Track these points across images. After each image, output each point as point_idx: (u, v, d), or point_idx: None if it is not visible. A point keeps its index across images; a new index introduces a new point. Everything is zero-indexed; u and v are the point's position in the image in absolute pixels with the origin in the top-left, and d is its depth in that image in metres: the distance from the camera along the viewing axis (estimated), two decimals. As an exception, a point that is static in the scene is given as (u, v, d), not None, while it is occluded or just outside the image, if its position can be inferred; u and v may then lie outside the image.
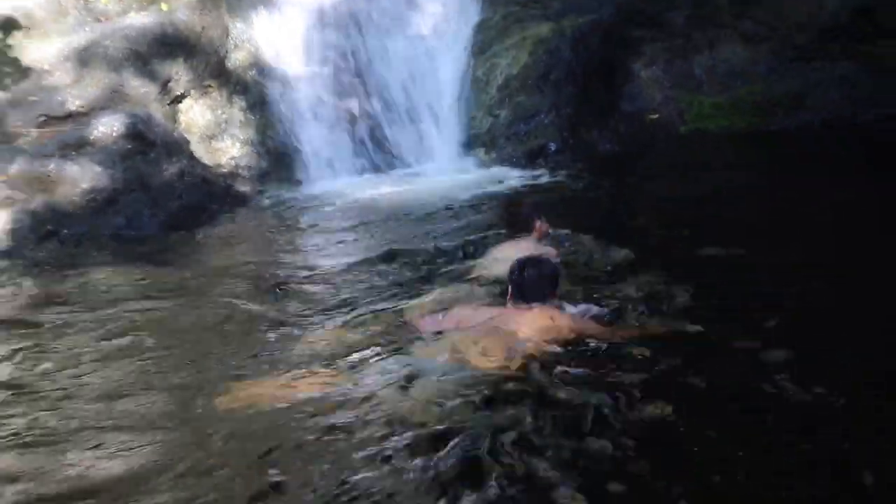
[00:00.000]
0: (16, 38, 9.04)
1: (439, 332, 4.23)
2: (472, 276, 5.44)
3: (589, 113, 10.21)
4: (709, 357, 3.86)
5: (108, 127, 8.52)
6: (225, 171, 9.45)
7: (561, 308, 4.36)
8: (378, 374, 3.85)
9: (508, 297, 4.47)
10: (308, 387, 3.78)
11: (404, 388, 3.68)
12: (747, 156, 9.49)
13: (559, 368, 3.75)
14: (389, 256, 6.33)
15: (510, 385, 3.68)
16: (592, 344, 4.01)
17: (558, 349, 3.95)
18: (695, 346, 3.95)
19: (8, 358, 4.95)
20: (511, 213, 7.62)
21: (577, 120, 10.13)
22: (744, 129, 10.08)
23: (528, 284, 4.30)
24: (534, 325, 4.06)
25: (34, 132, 8.59)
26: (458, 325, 4.24)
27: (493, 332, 4.06)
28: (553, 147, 10.00)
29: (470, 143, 10.24)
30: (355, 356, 4.19)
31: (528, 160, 9.86)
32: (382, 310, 4.86)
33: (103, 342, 5.17)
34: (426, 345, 4.12)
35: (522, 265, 4.42)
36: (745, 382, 3.69)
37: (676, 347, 3.98)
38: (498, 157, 9.97)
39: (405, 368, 3.82)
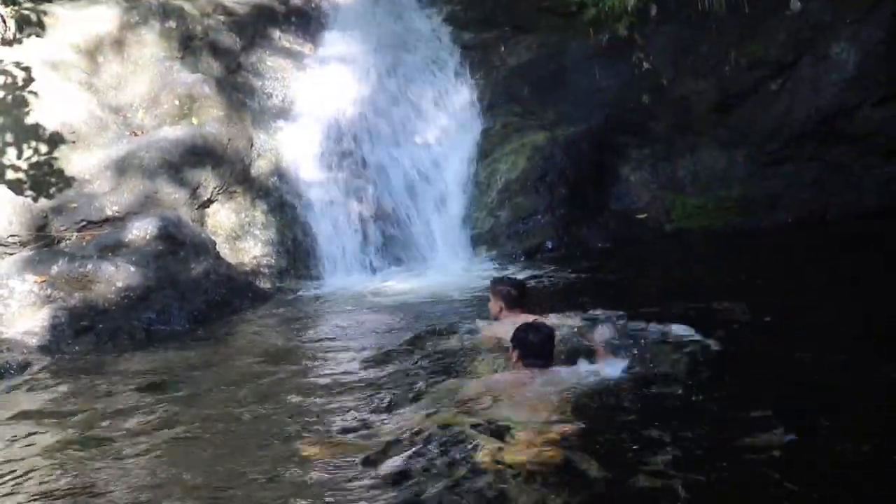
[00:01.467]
0: (61, 151, 9.26)
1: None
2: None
3: (581, 212, 10.42)
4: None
5: (141, 230, 8.67)
6: (247, 268, 9.50)
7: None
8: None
9: (515, 360, 4.91)
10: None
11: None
12: (727, 252, 9.73)
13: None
14: (403, 345, 6.51)
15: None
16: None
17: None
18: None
19: (55, 449, 5.05)
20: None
21: (570, 219, 10.33)
22: (723, 227, 10.30)
23: (540, 346, 4.85)
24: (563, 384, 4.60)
25: (75, 235, 8.77)
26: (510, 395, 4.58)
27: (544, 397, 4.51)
28: (550, 244, 10.17)
29: (473, 242, 10.34)
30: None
31: (528, 256, 10.03)
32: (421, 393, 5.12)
33: (142, 428, 5.30)
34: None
35: (529, 330, 4.96)
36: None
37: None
38: (499, 254, 10.08)
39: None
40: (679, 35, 10.68)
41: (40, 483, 4.50)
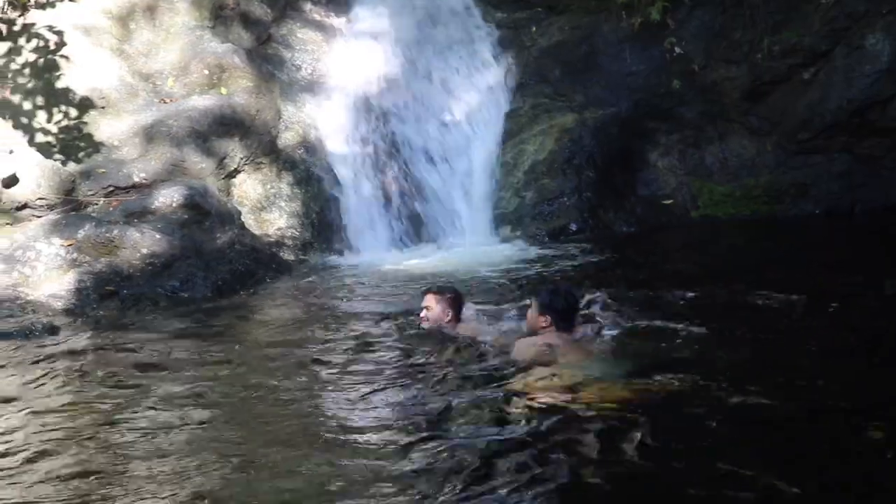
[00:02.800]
0: (90, 116, 9.23)
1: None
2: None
3: (608, 196, 10.30)
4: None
5: (168, 198, 8.63)
6: (272, 240, 9.43)
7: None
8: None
9: (547, 325, 5.28)
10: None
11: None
12: (753, 240, 9.58)
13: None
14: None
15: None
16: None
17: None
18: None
19: (79, 412, 5.02)
20: (530, 283, 7.74)
21: (596, 202, 10.21)
22: (750, 215, 10.19)
23: (570, 311, 5.32)
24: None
25: (102, 201, 8.74)
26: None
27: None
28: (574, 227, 10.07)
29: (498, 221, 10.26)
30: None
31: (552, 238, 9.92)
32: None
33: (164, 392, 5.27)
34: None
35: (560, 296, 5.37)
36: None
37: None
38: (523, 235, 9.98)
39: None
40: (712, 20, 10.56)
41: (63, 446, 4.44)
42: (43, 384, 5.62)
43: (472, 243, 9.86)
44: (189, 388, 5.36)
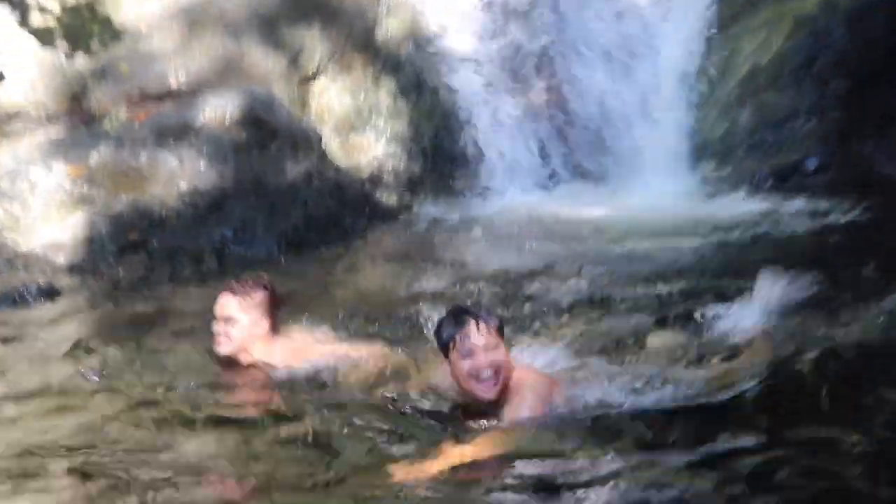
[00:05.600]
0: None
1: None
2: None
3: (866, 120, 9.47)
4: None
5: (218, 110, 8.61)
6: (364, 174, 9.43)
7: None
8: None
9: None
10: None
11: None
12: None
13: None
14: (582, 302, 6.29)
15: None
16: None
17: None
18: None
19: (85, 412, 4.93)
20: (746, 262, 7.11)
21: (848, 128, 9.47)
22: None
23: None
24: None
25: (123, 111, 8.69)
26: None
27: None
28: (813, 164, 9.44)
29: (695, 155, 9.84)
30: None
31: (777, 179, 9.38)
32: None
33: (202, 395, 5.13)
34: None
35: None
36: None
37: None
38: (733, 175, 9.53)
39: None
40: None
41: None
42: (26, 391, 5.38)
43: (657, 186, 9.54)
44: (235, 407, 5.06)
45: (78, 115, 8.57)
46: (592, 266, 7.27)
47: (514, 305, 6.50)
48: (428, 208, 9.42)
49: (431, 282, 7.15)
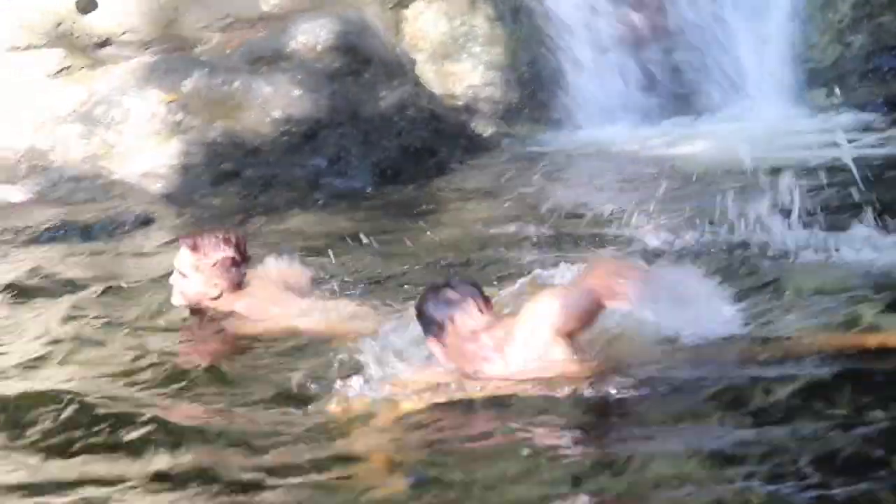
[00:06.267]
0: None
1: None
2: None
3: None
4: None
5: (311, 36, 8.60)
6: (460, 103, 9.36)
7: None
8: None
9: None
10: None
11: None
12: None
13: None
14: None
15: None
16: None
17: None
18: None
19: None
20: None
21: None
22: None
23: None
24: None
25: (216, 38, 8.75)
26: None
27: None
28: None
29: (806, 82, 9.67)
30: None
31: (892, 109, 9.17)
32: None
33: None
34: None
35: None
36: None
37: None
38: (848, 104, 9.24)
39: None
40: None
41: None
42: (126, 324, 5.17)
43: (766, 116, 9.31)
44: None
45: (171, 42, 8.60)
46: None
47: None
48: (524, 137, 9.32)
49: (522, 221, 6.91)
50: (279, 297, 4.94)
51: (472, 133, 9.13)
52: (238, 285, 4.91)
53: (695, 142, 8.77)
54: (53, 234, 7.14)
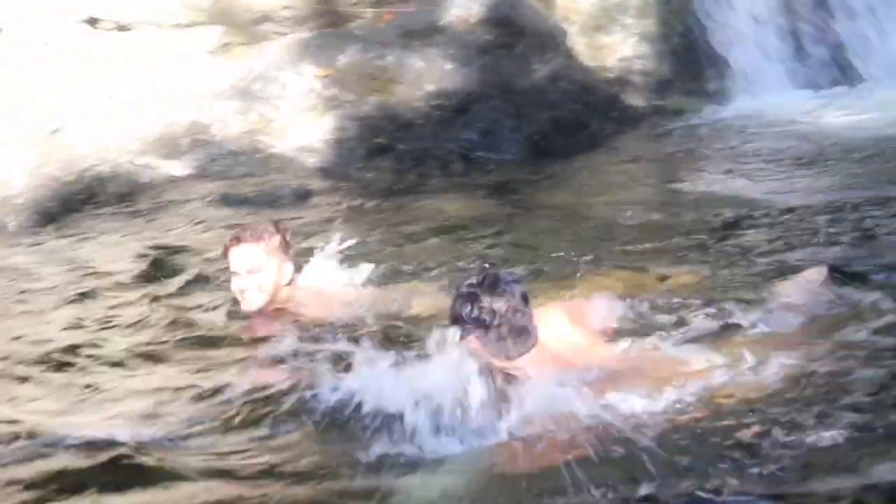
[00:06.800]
0: None
1: None
2: None
3: None
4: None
5: (462, 9, 8.61)
6: (611, 76, 9.28)
7: None
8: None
9: None
10: None
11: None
12: None
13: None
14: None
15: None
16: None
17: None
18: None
19: None
20: None
21: None
22: None
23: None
24: None
25: (370, 12, 8.72)
26: None
27: None
28: None
29: None
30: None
31: None
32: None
33: None
34: None
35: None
36: None
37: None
38: None
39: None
40: None
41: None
42: None
43: None
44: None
45: (326, 18, 8.55)
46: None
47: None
48: (676, 109, 9.24)
49: (672, 206, 6.77)
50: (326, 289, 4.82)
51: (624, 106, 9.05)
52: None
53: (856, 113, 8.64)
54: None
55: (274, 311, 4.68)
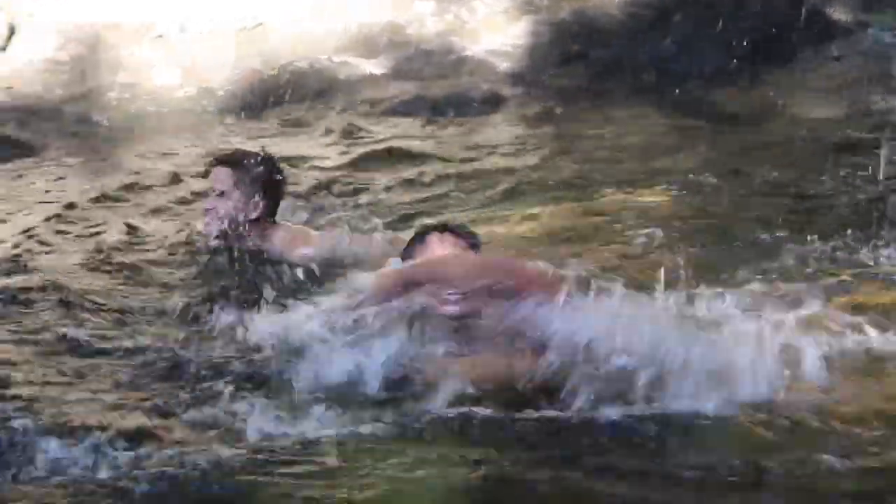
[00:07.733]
0: None
1: None
2: None
3: None
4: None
5: None
6: None
7: None
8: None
9: None
10: None
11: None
12: None
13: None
14: None
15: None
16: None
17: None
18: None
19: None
20: None
21: None
22: None
23: None
24: None
25: None
26: None
27: None
28: None
29: None
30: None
31: None
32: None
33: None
34: None
35: None
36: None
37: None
38: None
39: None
40: None
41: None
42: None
43: None
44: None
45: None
46: None
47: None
48: (884, 25, 8.71)
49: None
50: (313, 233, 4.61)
51: (830, 19, 8.66)
52: (273, 213, 4.54)
53: None
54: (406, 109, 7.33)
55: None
